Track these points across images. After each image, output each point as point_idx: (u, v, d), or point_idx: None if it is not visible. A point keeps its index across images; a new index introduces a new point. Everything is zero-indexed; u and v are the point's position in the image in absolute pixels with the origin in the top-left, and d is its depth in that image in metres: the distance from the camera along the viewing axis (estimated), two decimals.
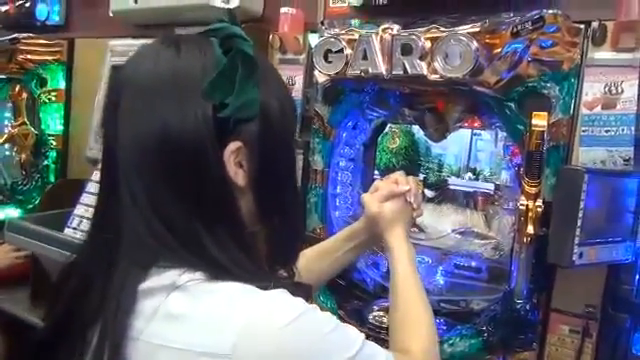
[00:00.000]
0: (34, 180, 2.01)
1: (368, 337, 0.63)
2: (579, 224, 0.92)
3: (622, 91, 0.98)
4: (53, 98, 1.97)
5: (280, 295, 0.57)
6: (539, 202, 0.97)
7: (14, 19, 2.05)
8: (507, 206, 1.21)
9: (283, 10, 1.36)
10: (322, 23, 1.28)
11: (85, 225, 1.51)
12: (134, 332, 0.56)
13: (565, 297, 1.06)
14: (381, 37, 1.09)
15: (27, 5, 2.01)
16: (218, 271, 0.58)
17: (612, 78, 0.98)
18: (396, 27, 1.08)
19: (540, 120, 0.95)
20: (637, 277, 1.00)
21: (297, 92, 1.35)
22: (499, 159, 1.22)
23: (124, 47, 1.66)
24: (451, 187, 1.33)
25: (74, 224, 1.53)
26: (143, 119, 0.59)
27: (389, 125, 1.38)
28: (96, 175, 1.58)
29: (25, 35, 1.90)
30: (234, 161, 0.61)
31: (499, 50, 0.99)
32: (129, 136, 0.60)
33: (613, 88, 0.99)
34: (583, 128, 1.01)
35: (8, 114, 2.15)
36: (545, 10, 0.99)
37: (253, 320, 0.54)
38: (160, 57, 0.61)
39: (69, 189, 1.69)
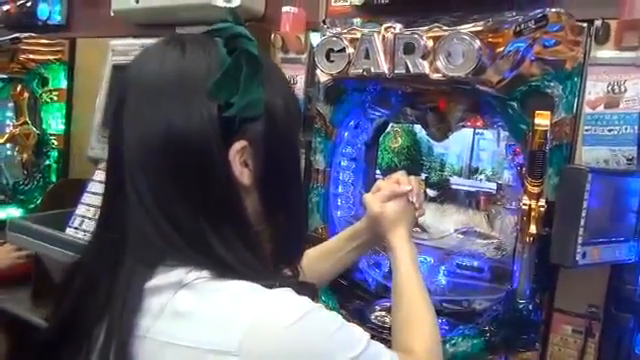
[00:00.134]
0: (36, 180, 2.01)
1: (370, 337, 0.63)
2: (582, 224, 0.92)
3: (625, 90, 0.97)
4: (55, 98, 1.97)
5: (286, 294, 0.57)
6: (542, 202, 0.96)
7: (15, 19, 2.06)
8: (509, 206, 1.20)
9: (285, 9, 1.36)
10: (324, 22, 1.28)
11: (87, 225, 1.51)
12: (141, 330, 0.56)
13: (568, 297, 1.06)
14: (383, 36, 1.08)
15: (28, 5, 2.02)
16: (224, 270, 0.58)
17: (615, 77, 0.98)
18: (398, 26, 1.08)
19: (543, 119, 0.95)
20: None
21: (299, 91, 1.35)
22: (501, 158, 1.22)
23: (125, 47, 1.66)
24: (453, 187, 1.33)
25: (76, 224, 1.53)
26: (149, 119, 0.59)
27: (391, 124, 1.38)
28: (97, 175, 1.59)
29: (27, 35, 1.90)
30: (239, 160, 0.61)
31: (502, 49, 0.99)
32: (135, 136, 0.60)
33: (616, 87, 0.98)
34: (586, 127, 1.01)
35: (10, 114, 2.15)
36: (548, 9, 0.99)
37: (259, 319, 0.54)
38: (165, 57, 0.61)
39: (71, 189, 1.70)
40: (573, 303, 1.05)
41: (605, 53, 1.00)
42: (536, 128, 0.95)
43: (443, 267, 1.26)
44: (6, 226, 1.57)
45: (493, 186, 1.26)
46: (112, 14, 1.72)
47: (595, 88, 1.00)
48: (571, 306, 1.05)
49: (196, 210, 0.59)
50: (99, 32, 1.87)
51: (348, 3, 1.33)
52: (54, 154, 1.99)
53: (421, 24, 1.06)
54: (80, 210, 1.55)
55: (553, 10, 0.99)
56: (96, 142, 1.67)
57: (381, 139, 1.40)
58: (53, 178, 1.99)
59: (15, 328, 1.69)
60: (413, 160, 1.37)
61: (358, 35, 1.12)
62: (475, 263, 1.22)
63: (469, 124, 1.22)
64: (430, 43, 1.03)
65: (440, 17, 1.07)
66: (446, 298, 1.21)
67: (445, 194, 1.33)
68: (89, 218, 1.52)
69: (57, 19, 2.02)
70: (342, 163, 1.36)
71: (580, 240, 0.92)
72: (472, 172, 1.30)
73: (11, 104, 2.13)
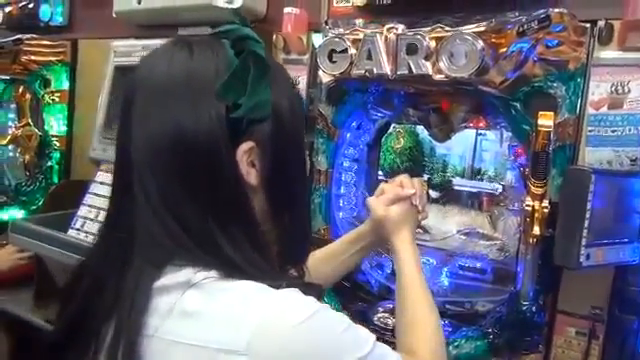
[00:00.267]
0: (38, 181, 2.01)
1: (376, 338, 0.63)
2: (586, 225, 0.92)
3: (629, 91, 0.97)
4: (57, 99, 1.97)
5: (293, 294, 0.58)
6: (545, 203, 0.96)
7: (17, 20, 2.06)
8: (512, 207, 1.20)
9: (287, 10, 1.35)
10: (326, 23, 1.27)
11: (89, 226, 1.51)
12: (149, 329, 0.57)
13: (571, 299, 1.05)
14: (386, 37, 1.08)
15: (30, 6, 2.02)
16: (232, 270, 0.58)
17: (619, 78, 0.98)
18: (401, 27, 1.08)
19: (546, 120, 0.95)
20: None
21: (301, 92, 1.35)
22: (504, 159, 1.22)
23: (127, 48, 1.66)
24: (456, 188, 1.32)
25: (77, 225, 1.53)
26: (157, 120, 0.60)
27: (393, 125, 1.37)
28: (99, 176, 1.59)
29: (29, 36, 1.90)
30: (247, 161, 0.62)
31: (505, 50, 0.99)
32: (143, 137, 0.61)
33: (620, 88, 0.98)
34: (589, 128, 1.01)
35: (12, 115, 2.15)
36: (551, 9, 0.98)
37: (267, 319, 0.55)
38: (173, 59, 0.62)
39: (73, 190, 1.70)
40: (577, 305, 1.04)
41: (608, 54, 0.99)
42: (539, 129, 0.95)
43: (446, 268, 1.26)
44: (8, 227, 1.57)
45: (496, 187, 1.26)
46: (114, 15, 1.72)
47: (598, 89, 1.00)
48: (575, 308, 1.05)
49: (204, 210, 0.60)
50: (101, 33, 1.87)
51: (350, 4, 1.33)
52: (56, 155, 1.99)
53: (424, 25, 1.06)
54: (82, 211, 1.55)
55: (556, 10, 0.98)
56: (98, 143, 1.67)
57: (383, 140, 1.40)
58: (55, 179, 1.99)
59: (16, 329, 1.69)
60: (415, 161, 1.37)
61: (360, 36, 1.11)
62: (478, 264, 1.22)
63: (472, 125, 1.22)
64: (433, 44, 1.03)
65: (443, 18, 1.07)
66: (449, 300, 1.21)
67: (447, 195, 1.33)
68: (91, 219, 1.52)
69: (59, 20, 2.02)
70: (344, 164, 1.36)
71: (584, 242, 0.92)
72: (475, 173, 1.30)
73: (13, 105, 2.12)
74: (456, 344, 1.08)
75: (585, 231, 0.92)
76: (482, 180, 1.29)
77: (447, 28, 1.02)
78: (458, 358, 1.07)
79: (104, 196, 1.54)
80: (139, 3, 1.61)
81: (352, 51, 1.12)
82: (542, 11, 0.98)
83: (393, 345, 0.80)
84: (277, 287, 0.58)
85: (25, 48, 1.88)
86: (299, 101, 0.71)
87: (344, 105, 1.27)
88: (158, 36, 1.62)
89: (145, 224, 0.60)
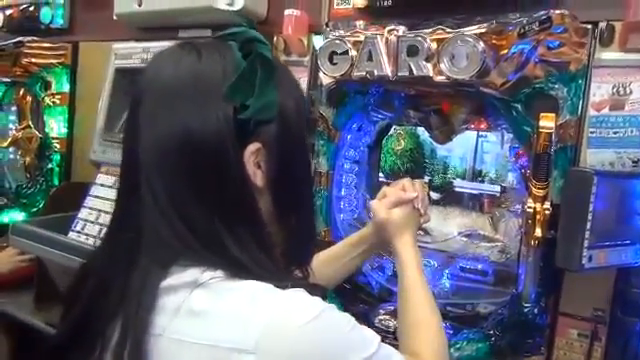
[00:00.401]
0: (38, 183, 2.01)
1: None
2: (588, 227, 0.91)
3: (630, 92, 0.97)
4: (57, 101, 1.97)
5: (300, 294, 0.58)
6: (547, 204, 0.96)
7: (18, 23, 2.06)
8: (513, 208, 1.20)
9: (287, 12, 1.35)
10: (327, 25, 1.27)
11: (89, 228, 1.51)
12: (157, 329, 0.57)
13: (573, 300, 1.05)
14: (386, 38, 1.08)
15: (31, 9, 2.01)
16: (239, 270, 0.59)
17: (620, 79, 0.97)
18: (402, 28, 1.07)
19: (548, 122, 0.95)
20: None
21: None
22: (505, 161, 1.21)
23: (128, 50, 1.66)
24: (457, 189, 1.32)
25: (78, 227, 1.53)
26: (165, 121, 0.61)
27: (394, 127, 1.37)
28: (100, 178, 1.59)
29: (29, 38, 1.90)
30: (253, 162, 0.62)
31: (506, 51, 0.98)
32: (151, 138, 0.61)
33: (621, 89, 0.98)
34: (591, 129, 1.00)
35: (12, 117, 2.15)
36: (552, 10, 0.98)
37: (275, 318, 0.55)
38: (181, 61, 0.63)
39: (73, 192, 1.70)
40: (579, 307, 1.04)
41: (610, 55, 0.99)
42: (541, 130, 0.95)
43: (447, 270, 1.25)
44: (9, 230, 1.57)
45: (497, 189, 1.26)
46: (114, 17, 1.72)
47: (600, 90, 0.99)
48: (577, 310, 1.04)
49: (211, 211, 0.60)
50: (102, 36, 1.87)
51: (351, 5, 1.33)
52: (57, 158, 1.99)
53: (424, 26, 1.06)
54: (82, 214, 1.55)
55: (557, 12, 0.98)
56: (98, 146, 1.67)
57: (384, 142, 1.40)
58: (56, 182, 1.99)
59: (17, 331, 1.69)
60: (416, 163, 1.37)
61: (361, 38, 1.11)
62: (479, 266, 1.22)
63: (473, 126, 1.22)
64: (434, 45, 1.03)
65: (443, 19, 1.06)
66: (450, 302, 1.21)
67: (449, 197, 1.33)
68: (91, 222, 1.52)
69: (60, 23, 2.02)
70: (345, 166, 1.36)
71: (586, 243, 0.92)
72: (476, 175, 1.29)
73: (14, 108, 2.12)
74: (457, 346, 1.08)
75: (587, 233, 0.92)
76: (483, 182, 1.28)
77: (448, 30, 1.02)
78: None
79: (104, 198, 1.54)
80: (140, 5, 1.61)
81: (353, 53, 1.12)
82: (543, 12, 0.98)
83: (395, 347, 0.80)
84: (283, 287, 0.58)
85: (26, 50, 1.88)
86: (304, 103, 0.72)
87: (345, 107, 1.27)
88: (159, 38, 1.63)
89: (152, 225, 0.60)
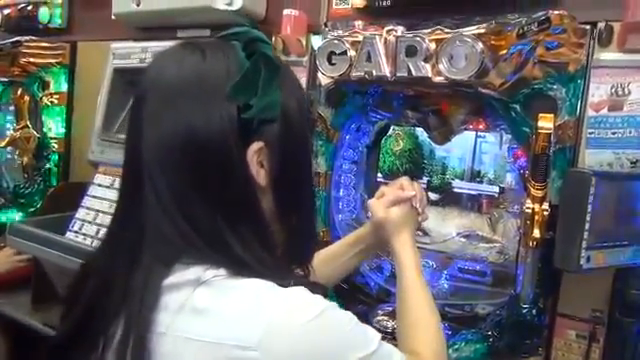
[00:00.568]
0: (36, 183, 2.00)
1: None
2: (586, 228, 0.91)
3: (629, 92, 0.97)
4: (55, 101, 1.96)
5: (302, 292, 0.59)
6: (545, 205, 0.96)
7: (16, 22, 2.05)
8: (512, 209, 1.20)
9: (286, 12, 1.35)
10: (325, 25, 1.27)
11: (87, 229, 1.50)
12: (161, 327, 0.57)
13: (572, 301, 1.05)
14: (385, 39, 1.08)
15: (29, 8, 2.01)
16: (242, 268, 0.59)
17: (619, 79, 0.97)
18: (400, 29, 1.07)
19: (546, 122, 0.94)
20: None
21: None
22: (504, 162, 1.21)
23: (126, 50, 1.65)
24: (455, 190, 1.32)
25: (76, 227, 1.53)
26: (169, 120, 0.61)
27: (393, 127, 1.37)
28: (98, 178, 1.58)
29: (27, 38, 1.89)
30: (256, 161, 0.63)
31: (504, 52, 0.98)
32: (155, 137, 0.61)
33: (620, 90, 0.98)
34: (589, 130, 1.00)
35: (10, 117, 2.14)
36: (551, 11, 0.98)
37: (277, 317, 0.56)
38: (184, 61, 0.63)
39: (71, 192, 1.69)
40: (577, 308, 1.04)
41: (608, 55, 0.99)
42: (539, 131, 0.94)
43: (445, 271, 1.25)
44: (6, 230, 1.56)
45: (495, 189, 1.26)
46: (113, 17, 1.71)
47: (598, 90, 0.99)
48: (575, 311, 1.04)
49: (214, 209, 0.61)
50: (100, 35, 1.87)
51: (349, 6, 1.33)
52: (54, 157, 1.98)
53: (423, 27, 1.06)
54: (80, 214, 1.55)
55: (556, 12, 0.98)
56: (96, 146, 1.66)
57: (383, 142, 1.40)
58: (53, 182, 1.98)
59: (14, 332, 1.68)
60: (415, 163, 1.37)
61: (360, 38, 1.11)
62: (477, 267, 1.22)
63: (471, 127, 1.22)
64: (432, 46, 1.03)
65: (442, 19, 1.06)
66: (448, 302, 1.21)
67: (447, 197, 1.33)
68: (89, 222, 1.51)
69: (58, 22, 2.01)
70: (343, 166, 1.36)
71: (584, 244, 0.92)
72: (474, 175, 1.29)
73: (12, 108, 2.12)
74: (456, 347, 1.08)
75: (585, 234, 0.92)
76: (482, 182, 1.28)
77: (447, 30, 1.02)
78: None
79: (102, 198, 1.53)
80: (138, 5, 1.60)
81: (351, 53, 1.12)
82: (542, 13, 0.98)
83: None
84: (285, 285, 0.59)
85: (24, 50, 1.87)
86: (306, 102, 0.72)
87: (343, 107, 1.27)
88: (157, 38, 1.63)
89: (155, 223, 0.60)
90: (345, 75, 1.14)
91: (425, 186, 1.34)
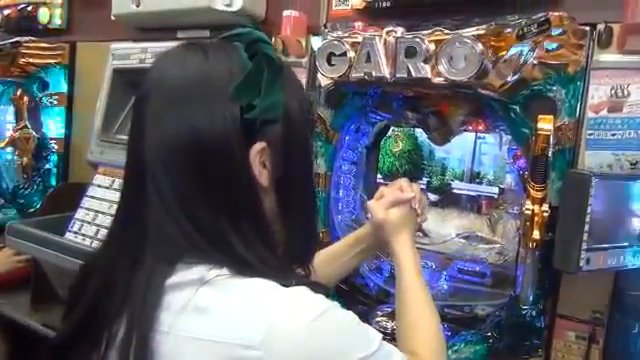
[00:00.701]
0: (35, 184, 2.00)
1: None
2: (586, 229, 0.91)
3: (629, 94, 0.97)
4: (55, 101, 1.96)
5: (304, 292, 0.59)
6: (545, 206, 0.96)
7: (16, 23, 2.05)
8: (511, 210, 1.20)
9: (286, 13, 1.35)
10: (325, 26, 1.27)
11: (86, 229, 1.50)
12: (164, 326, 0.57)
13: (571, 303, 1.05)
14: (385, 40, 1.08)
15: (29, 9, 2.01)
16: (244, 268, 0.60)
17: (618, 81, 0.97)
18: (400, 30, 1.07)
19: (546, 124, 0.94)
20: None
21: None
22: (503, 163, 1.21)
23: (126, 50, 1.65)
24: (455, 191, 1.32)
25: (75, 228, 1.52)
26: (172, 121, 0.61)
27: (392, 128, 1.37)
28: (97, 179, 1.58)
29: (27, 39, 1.89)
30: (259, 161, 0.63)
31: (504, 53, 0.98)
32: (158, 138, 0.62)
33: (619, 91, 0.97)
34: (589, 131, 1.00)
35: (10, 118, 2.14)
36: (550, 12, 0.98)
37: (280, 317, 0.56)
38: (187, 61, 0.64)
39: (70, 193, 1.69)
40: (577, 309, 1.04)
41: (608, 57, 0.99)
42: (539, 132, 0.94)
43: (445, 272, 1.25)
44: (5, 230, 1.56)
45: (495, 190, 1.26)
46: (112, 18, 1.71)
47: (598, 92, 0.99)
48: (575, 312, 1.04)
49: (217, 210, 0.61)
50: (99, 36, 1.87)
51: (349, 7, 1.33)
52: (54, 158, 1.98)
53: (423, 28, 1.06)
54: (79, 214, 1.54)
55: (555, 14, 0.98)
56: (96, 146, 1.66)
57: (382, 143, 1.40)
58: (53, 182, 1.98)
59: (13, 332, 1.68)
60: (414, 164, 1.37)
61: (359, 39, 1.11)
62: (477, 268, 1.22)
63: (471, 128, 1.22)
64: (432, 47, 1.03)
65: (442, 20, 1.06)
66: (448, 303, 1.21)
67: (447, 198, 1.33)
68: (88, 222, 1.51)
69: (57, 23, 2.01)
70: (343, 167, 1.36)
71: (584, 246, 0.92)
72: (474, 176, 1.29)
73: (11, 108, 2.12)
74: (455, 348, 1.08)
75: (585, 235, 0.92)
76: (481, 183, 1.28)
77: (446, 31, 1.02)
78: None
79: (102, 199, 1.53)
80: (138, 6, 1.60)
81: (351, 54, 1.12)
82: (542, 14, 0.98)
83: None
84: (287, 285, 0.59)
85: (23, 51, 1.87)
86: (307, 102, 0.73)
87: (343, 108, 1.27)
88: (157, 39, 1.63)
89: (158, 224, 0.61)
90: (345, 76, 1.14)
91: (425, 187, 1.34)
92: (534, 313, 1.03)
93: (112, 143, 1.60)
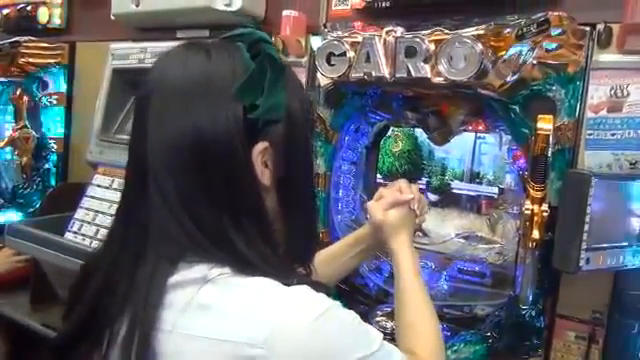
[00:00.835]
0: (35, 184, 2.00)
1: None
2: (586, 229, 0.91)
3: (628, 94, 0.97)
4: (54, 101, 1.96)
5: (306, 291, 0.59)
6: (545, 206, 0.96)
7: (15, 22, 2.05)
8: (511, 210, 1.20)
9: (285, 13, 1.35)
10: (325, 26, 1.27)
11: (86, 229, 1.50)
12: (166, 325, 0.58)
13: (571, 303, 1.05)
14: (384, 40, 1.08)
15: (28, 8, 2.01)
16: (246, 267, 0.60)
17: (618, 81, 0.97)
18: (400, 29, 1.07)
19: (546, 123, 0.94)
20: None
21: None
22: (503, 163, 1.21)
23: (125, 50, 1.65)
24: (454, 191, 1.32)
25: (75, 228, 1.52)
26: (175, 121, 0.61)
27: (392, 128, 1.37)
28: (97, 179, 1.58)
29: (26, 38, 1.89)
30: (261, 161, 0.64)
31: (504, 53, 0.98)
32: (160, 138, 0.62)
33: (619, 91, 0.98)
34: (589, 131, 1.00)
35: (9, 117, 2.14)
36: (550, 12, 0.98)
37: (283, 316, 0.56)
38: (189, 62, 0.64)
39: (70, 193, 1.69)
40: (576, 309, 1.04)
41: (608, 57, 0.99)
42: (538, 132, 0.94)
43: (444, 272, 1.25)
44: (5, 230, 1.56)
45: (495, 190, 1.26)
46: (112, 17, 1.71)
47: (597, 92, 0.99)
48: (574, 312, 1.04)
49: (220, 209, 0.61)
50: (99, 36, 1.87)
51: (349, 6, 1.33)
52: (53, 158, 1.98)
53: (422, 27, 1.06)
54: (79, 214, 1.54)
55: (555, 14, 0.98)
56: (95, 146, 1.66)
57: (382, 143, 1.40)
58: (52, 182, 1.98)
59: (13, 332, 1.68)
60: (414, 164, 1.37)
61: (359, 39, 1.11)
62: (477, 268, 1.22)
63: (471, 128, 1.22)
64: (432, 47, 1.02)
65: (442, 20, 1.06)
66: (447, 303, 1.21)
67: (446, 198, 1.33)
68: (88, 222, 1.51)
69: (57, 23, 2.01)
70: (342, 167, 1.36)
71: (584, 246, 0.92)
72: (474, 176, 1.29)
73: (11, 108, 2.12)
74: (455, 348, 1.08)
75: (585, 235, 0.92)
76: (481, 183, 1.28)
77: (446, 31, 1.01)
78: None
79: (101, 199, 1.53)
80: (137, 6, 1.60)
81: (351, 54, 1.12)
82: (541, 14, 0.98)
83: None
84: (289, 284, 0.59)
85: (23, 50, 1.87)
86: (308, 103, 0.73)
87: (342, 108, 1.27)
88: (156, 39, 1.63)
89: (160, 223, 0.61)
90: (344, 76, 1.14)
91: (424, 187, 1.34)
92: (534, 313, 1.03)
93: (112, 143, 1.60)
